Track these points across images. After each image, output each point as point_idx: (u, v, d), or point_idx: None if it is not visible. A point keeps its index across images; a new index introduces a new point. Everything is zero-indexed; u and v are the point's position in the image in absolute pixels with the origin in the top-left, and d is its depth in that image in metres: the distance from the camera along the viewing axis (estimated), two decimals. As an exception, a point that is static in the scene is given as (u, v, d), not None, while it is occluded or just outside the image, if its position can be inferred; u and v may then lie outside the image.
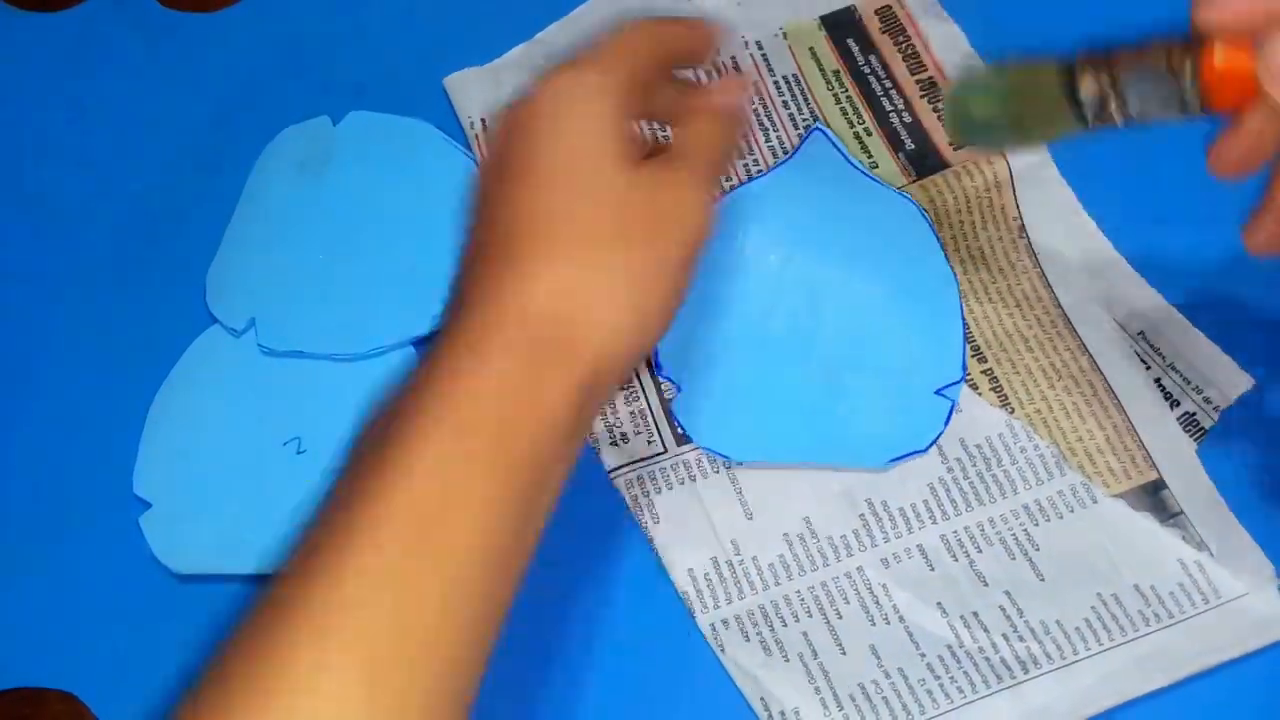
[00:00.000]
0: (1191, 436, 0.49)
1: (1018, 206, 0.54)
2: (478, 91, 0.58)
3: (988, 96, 0.43)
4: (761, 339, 0.52)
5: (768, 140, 0.57)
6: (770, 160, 0.56)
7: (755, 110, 0.57)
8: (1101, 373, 0.51)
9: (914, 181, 0.55)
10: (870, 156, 0.56)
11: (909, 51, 0.58)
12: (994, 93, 0.43)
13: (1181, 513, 0.48)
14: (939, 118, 0.56)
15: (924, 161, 0.55)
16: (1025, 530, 0.48)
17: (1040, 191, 0.54)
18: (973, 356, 0.51)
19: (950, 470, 0.49)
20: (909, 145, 0.56)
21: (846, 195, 0.54)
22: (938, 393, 0.51)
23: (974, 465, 0.49)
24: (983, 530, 0.49)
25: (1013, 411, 0.50)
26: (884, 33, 0.59)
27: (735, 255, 0.53)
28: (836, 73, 0.58)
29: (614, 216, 0.39)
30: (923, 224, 0.53)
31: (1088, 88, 0.40)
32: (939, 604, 0.47)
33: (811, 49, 0.59)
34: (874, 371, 0.51)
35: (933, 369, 0.51)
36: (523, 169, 0.39)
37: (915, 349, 0.52)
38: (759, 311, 0.53)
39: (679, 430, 0.51)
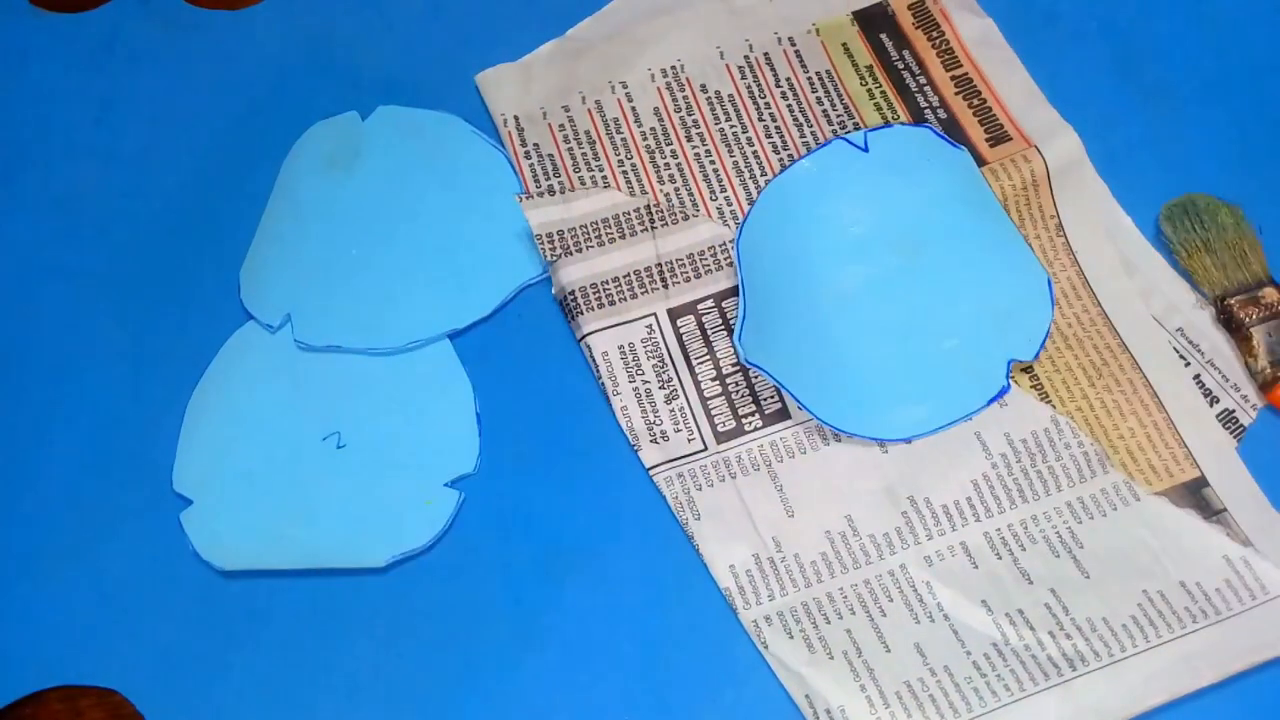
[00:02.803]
0: (1231, 434, 0.49)
1: (1055, 205, 0.54)
2: (509, 88, 0.58)
3: None
4: (840, 307, 0.52)
5: (802, 136, 0.56)
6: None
7: (789, 106, 0.57)
8: (1141, 370, 0.51)
9: None
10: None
11: (943, 47, 0.58)
12: None
13: (1224, 510, 0.48)
14: (974, 113, 0.56)
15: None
16: (1069, 528, 0.48)
17: (1077, 190, 0.54)
18: (1013, 355, 0.52)
19: (995, 466, 0.49)
20: (944, 142, 0.56)
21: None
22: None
23: (1019, 461, 0.49)
24: (1025, 528, 0.49)
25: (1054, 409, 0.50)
26: (917, 27, 0.59)
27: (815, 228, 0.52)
28: (870, 68, 0.58)
29: None
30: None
31: None
32: (983, 601, 0.47)
33: (844, 44, 0.59)
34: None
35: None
36: None
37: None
38: (838, 281, 0.52)
39: (718, 428, 0.51)
